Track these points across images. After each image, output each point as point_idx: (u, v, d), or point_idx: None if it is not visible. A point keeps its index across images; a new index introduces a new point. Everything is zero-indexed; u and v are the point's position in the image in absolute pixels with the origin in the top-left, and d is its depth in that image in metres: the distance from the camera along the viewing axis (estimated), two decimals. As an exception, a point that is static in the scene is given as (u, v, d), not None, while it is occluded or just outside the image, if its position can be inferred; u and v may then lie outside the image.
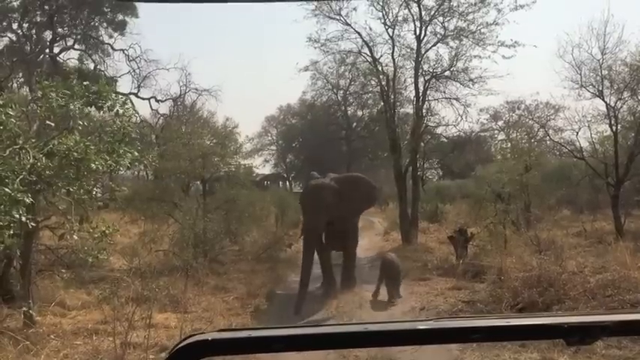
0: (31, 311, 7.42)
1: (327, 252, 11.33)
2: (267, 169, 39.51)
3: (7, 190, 5.75)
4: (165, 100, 27.69)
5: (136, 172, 20.37)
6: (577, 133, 17.05)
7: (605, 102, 15.71)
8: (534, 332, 1.18)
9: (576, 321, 1.08)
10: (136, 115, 20.68)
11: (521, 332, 1.20)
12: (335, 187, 11.02)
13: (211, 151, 15.82)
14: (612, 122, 15.66)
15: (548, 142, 20.04)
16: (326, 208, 10.60)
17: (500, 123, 26.63)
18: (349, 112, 34.91)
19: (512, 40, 16.90)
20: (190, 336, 1.07)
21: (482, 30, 16.99)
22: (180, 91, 27.66)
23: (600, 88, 15.65)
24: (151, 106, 27.63)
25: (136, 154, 7.94)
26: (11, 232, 5.94)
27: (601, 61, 15.54)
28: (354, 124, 35.47)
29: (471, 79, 17.57)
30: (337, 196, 10.82)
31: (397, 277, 10.26)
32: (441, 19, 17.31)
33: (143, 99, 27.22)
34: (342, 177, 12.11)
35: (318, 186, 11.13)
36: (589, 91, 15.90)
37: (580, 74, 15.88)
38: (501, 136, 25.08)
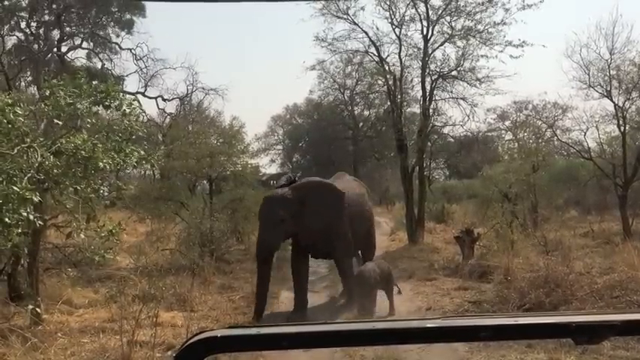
0: (38, 309, 7.44)
1: (303, 264, 9.71)
2: (273, 169, 39.50)
3: (15, 188, 5.78)
4: (172, 99, 27.77)
5: (142, 171, 20.44)
6: (585, 133, 16.95)
7: (614, 102, 15.63)
8: (542, 331, 1.18)
9: (584, 320, 1.08)
10: (143, 114, 20.83)
11: (529, 331, 1.20)
12: (291, 198, 9.18)
13: (218, 150, 15.87)
14: (620, 122, 15.56)
15: (555, 143, 19.92)
16: (281, 223, 8.94)
17: (507, 123, 26.43)
18: (356, 112, 34.87)
19: (519, 39, 16.74)
20: (199, 333, 1.08)
21: (489, 29, 16.89)
22: (187, 90, 27.74)
23: (608, 88, 15.56)
24: (157, 105, 27.72)
25: (143, 153, 7.97)
26: (19, 230, 5.97)
27: (609, 61, 15.46)
28: (361, 123, 35.39)
29: (478, 79, 17.47)
30: (297, 207, 9.09)
31: (371, 293, 8.85)
32: (448, 18, 17.23)
33: (150, 98, 27.31)
34: (301, 185, 9.76)
35: (270, 199, 9.39)
36: (597, 91, 15.82)
37: (588, 74, 15.80)
38: (508, 136, 24.94)
